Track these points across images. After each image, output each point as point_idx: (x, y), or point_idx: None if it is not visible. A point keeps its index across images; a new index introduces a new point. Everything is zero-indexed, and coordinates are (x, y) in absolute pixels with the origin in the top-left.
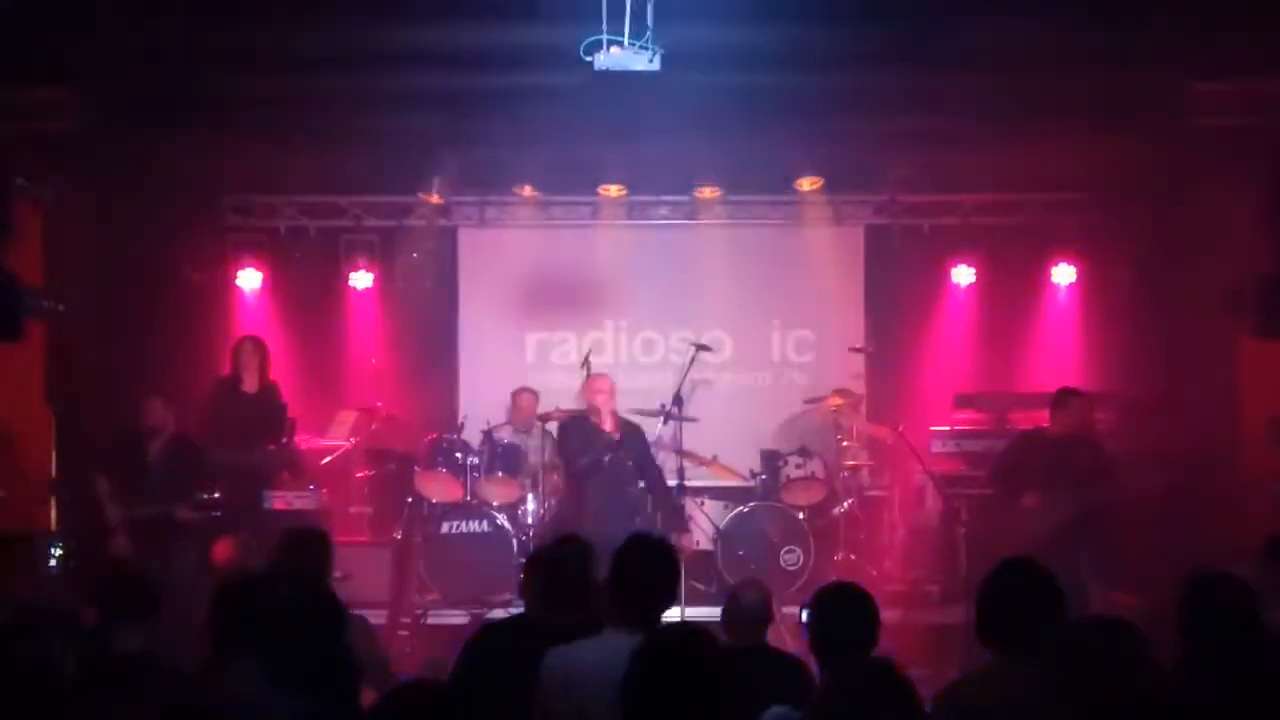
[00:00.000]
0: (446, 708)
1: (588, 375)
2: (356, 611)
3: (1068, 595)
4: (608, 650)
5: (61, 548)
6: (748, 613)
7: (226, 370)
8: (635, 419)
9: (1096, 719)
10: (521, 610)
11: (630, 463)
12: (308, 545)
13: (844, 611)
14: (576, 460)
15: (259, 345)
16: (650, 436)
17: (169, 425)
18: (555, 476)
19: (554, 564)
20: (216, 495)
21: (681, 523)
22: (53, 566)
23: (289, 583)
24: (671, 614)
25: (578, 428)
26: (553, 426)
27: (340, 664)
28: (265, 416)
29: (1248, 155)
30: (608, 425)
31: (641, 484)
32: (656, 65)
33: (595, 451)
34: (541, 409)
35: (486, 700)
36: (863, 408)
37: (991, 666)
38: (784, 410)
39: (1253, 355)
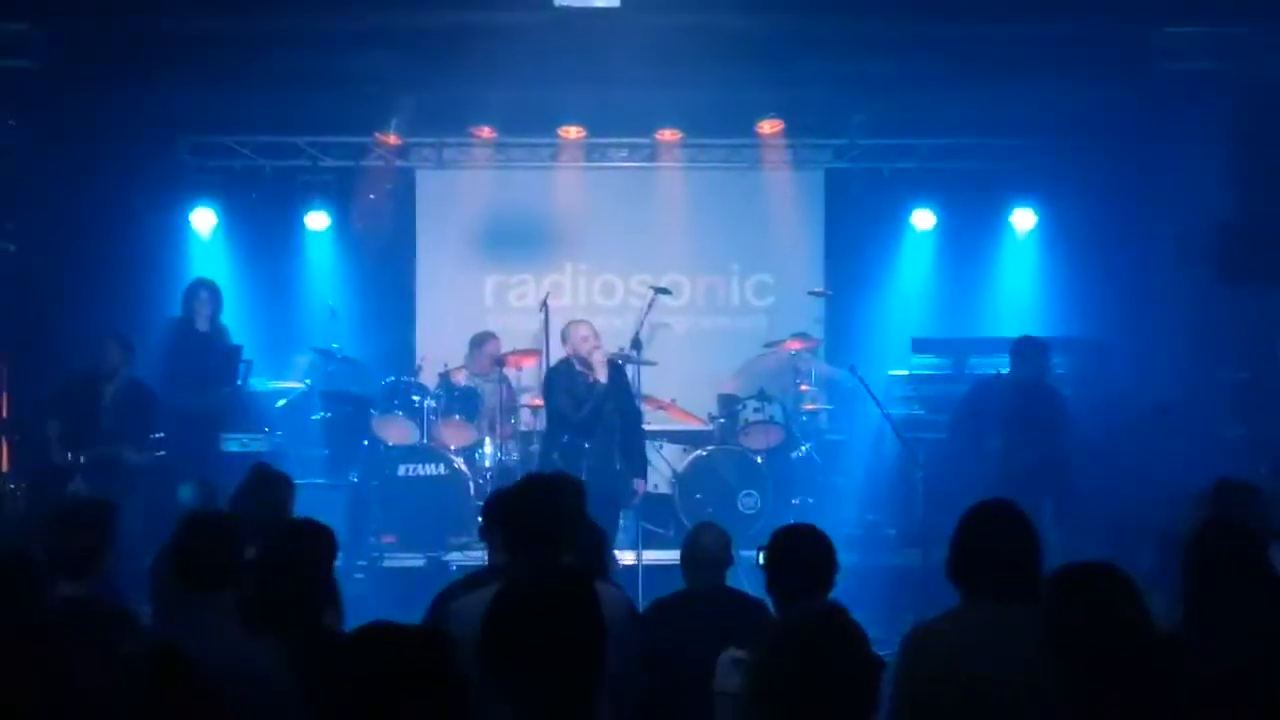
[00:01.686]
0: (413, 649)
1: (564, 321)
2: None
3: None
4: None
5: (13, 489)
6: (706, 556)
7: (179, 313)
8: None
9: (1087, 665)
10: (484, 560)
11: (616, 409)
12: (269, 484)
13: (800, 554)
14: (573, 414)
15: (213, 290)
16: None
17: (124, 368)
18: (512, 420)
19: (518, 506)
20: (162, 435)
21: (641, 468)
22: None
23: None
24: (627, 557)
25: (565, 378)
26: (511, 371)
27: (321, 606)
28: (218, 359)
29: (1213, 100)
30: (602, 375)
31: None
32: (616, 2)
33: (592, 403)
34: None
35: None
36: (822, 352)
37: (964, 608)
38: (743, 354)
39: (1213, 302)
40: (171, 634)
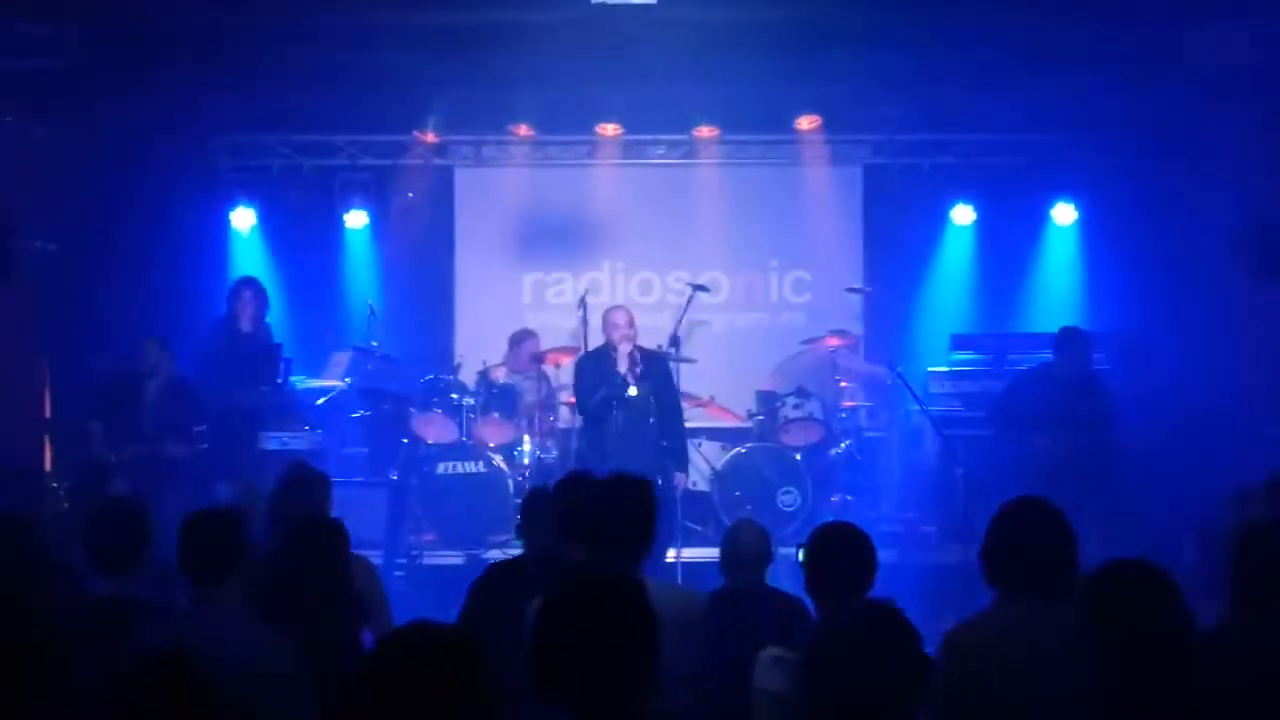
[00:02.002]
0: (454, 650)
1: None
2: (357, 552)
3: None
4: None
5: (55, 488)
6: (746, 553)
7: (223, 311)
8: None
9: (1125, 663)
10: (519, 550)
11: (651, 398)
12: (306, 483)
13: (840, 551)
14: (585, 398)
15: (258, 289)
16: None
17: (165, 367)
18: (551, 418)
19: (598, 500)
20: (204, 428)
21: (681, 461)
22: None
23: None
24: (667, 555)
25: (593, 364)
26: (550, 369)
27: (336, 599)
28: (260, 357)
29: (1253, 95)
30: (623, 364)
31: (653, 419)
32: None
33: (608, 390)
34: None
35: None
36: (860, 348)
37: (1000, 606)
38: (781, 351)
39: (1251, 295)
40: (180, 629)
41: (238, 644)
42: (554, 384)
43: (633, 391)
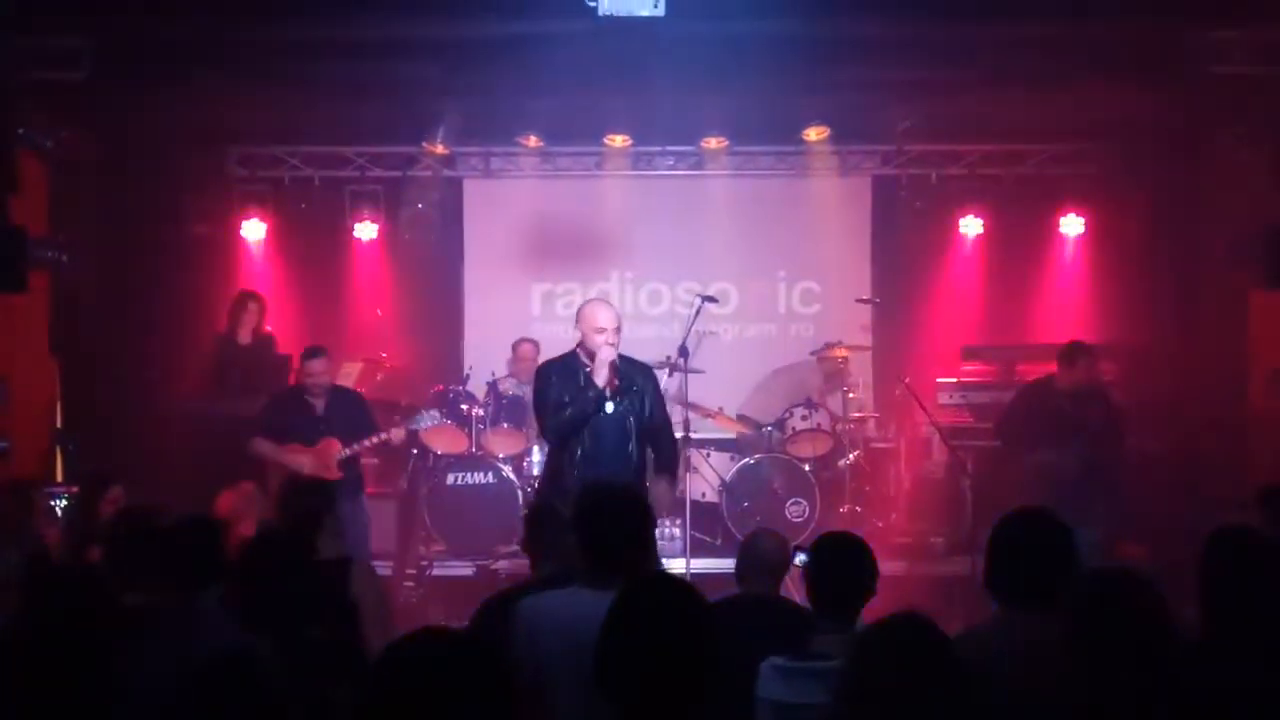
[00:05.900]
0: (461, 655)
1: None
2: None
3: (1081, 548)
4: (575, 604)
5: (66, 499)
6: (765, 561)
7: (223, 322)
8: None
9: (1107, 672)
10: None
11: (630, 418)
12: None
13: (842, 561)
14: (553, 417)
15: (259, 301)
16: None
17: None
18: None
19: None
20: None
21: (671, 480)
22: (59, 517)
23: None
24: (678, 566)
25: (560, 375)
26: None
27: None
28: (263, 367)
29: (1262, 104)
30: (601, 376)
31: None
32: (660, 10)
33: (576, 409)
34: (543, 359)
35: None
36: (869, 359)
37: (999, 618)
38: (790, 361)
39: (1262, 307)
40: (163, 633)
41: (219, 644)
42: None
43: (609, 409)
